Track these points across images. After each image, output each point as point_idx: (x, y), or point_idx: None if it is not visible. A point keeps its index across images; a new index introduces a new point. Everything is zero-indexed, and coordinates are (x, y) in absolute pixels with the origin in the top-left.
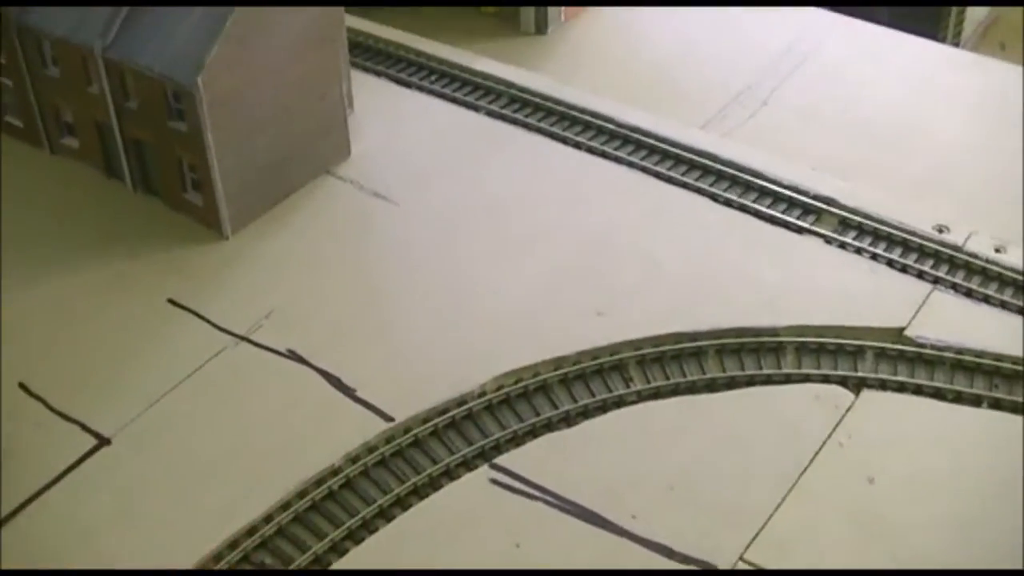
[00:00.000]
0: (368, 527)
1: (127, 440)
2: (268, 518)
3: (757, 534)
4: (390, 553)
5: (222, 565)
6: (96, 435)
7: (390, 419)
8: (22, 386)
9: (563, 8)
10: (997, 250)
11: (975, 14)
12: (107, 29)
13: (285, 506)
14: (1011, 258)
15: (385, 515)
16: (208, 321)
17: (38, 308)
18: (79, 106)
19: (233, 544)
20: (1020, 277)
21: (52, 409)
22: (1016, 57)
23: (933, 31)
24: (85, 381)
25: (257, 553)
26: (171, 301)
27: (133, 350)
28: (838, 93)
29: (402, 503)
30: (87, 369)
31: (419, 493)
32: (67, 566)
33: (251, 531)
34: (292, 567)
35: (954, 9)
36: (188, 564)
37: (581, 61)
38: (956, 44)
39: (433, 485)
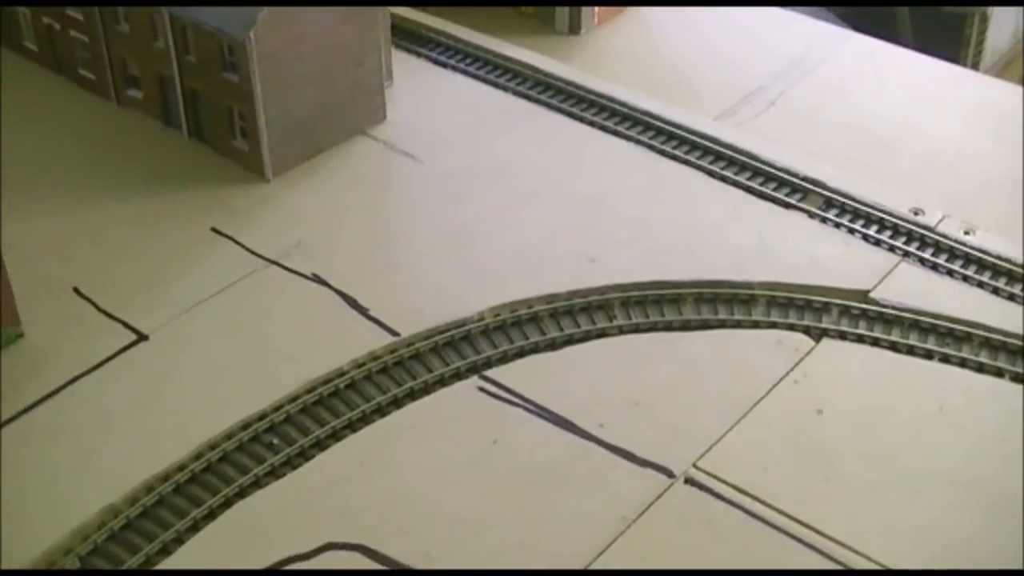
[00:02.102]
0: (366, 420)
1: (164, 337)
2: (278, 407)
3: (709, 449)
4: (382, 442)
5: (233, 442)
6: (136, 332)
7: (396, 334)
8: (75, 290)
9: (596, 11)
10: (966, 232)
11: (995, 43)
12: None
13: (294, 399)
14: (978, 240)
15: (382, 411)
16: (244, 247)
17: (96, 230)
18: (145, 60)
19: (245, 425)
20: (983, 255)
21: (100, 309)
22: None
23: (953, 60)
24: (132, 289)
25: (266, 435)
26: (213, 229)
27: (177, 266)
28: (842, 99)
29: (398, 403)
30: (135, 279)
31: (413, 396)
32: (96, 446)
33: (262, 416)
34: (295, 447)
35: (973, 38)
36: (202, 439)
37: (608, 58)
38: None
39: (427, 390)
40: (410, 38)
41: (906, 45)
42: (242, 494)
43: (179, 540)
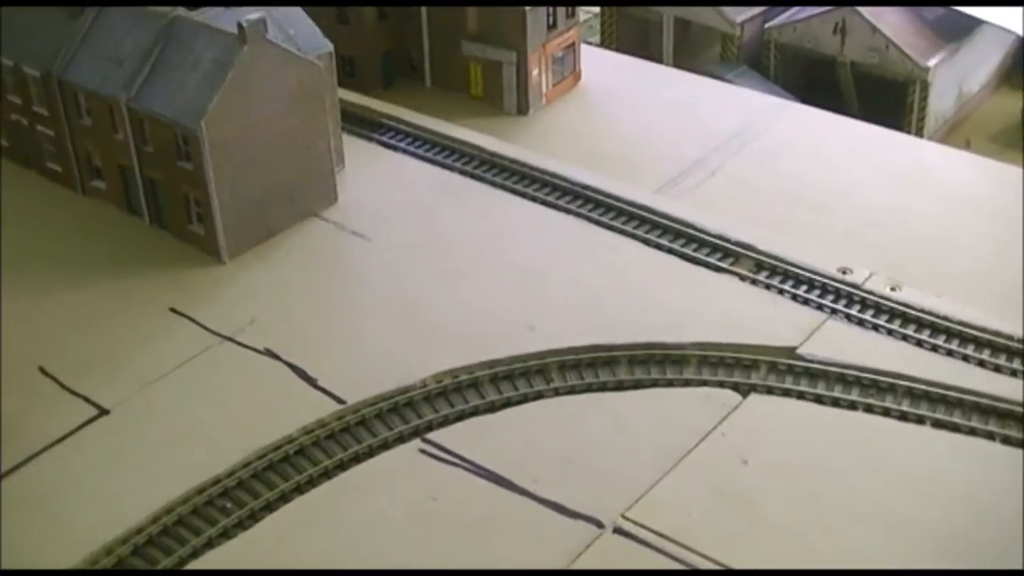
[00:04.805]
0: (313, 483)
1: (124, 411)
2: (231, 473)
3: (638, 500)
4: (327, 502)
5: (188, 506)
6: (98, 407)
7: (343, 402)
8: (41, 369)
9: (544, 92)
10: (892, 288)
11: (938, 108)
12: (131, 83)
13: (246, 464)
14: (903, 296)
15: (328, 474)
16: (201, 325)
17: (62, 312)
18: (106, 151)
19: (200, 491)
20: (907, 310)
21: (64, 386)
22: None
23: (898, 127)
24: (95, 366)
25: (220, 499)
26: (172, 309)
27: (137, 344)
28: (780, 167)
29: (343, 466)
30: (98, 357)
31: (358, 459)
32: (59, 512)
33: (216, 482)
34: (246, 509)
35: (916, 104)
36: (159, 504)
37: (556, 137)
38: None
39: (371, 453)
40: (361, 123)
41: (851, 114)
42: (195, 555)
43: None
